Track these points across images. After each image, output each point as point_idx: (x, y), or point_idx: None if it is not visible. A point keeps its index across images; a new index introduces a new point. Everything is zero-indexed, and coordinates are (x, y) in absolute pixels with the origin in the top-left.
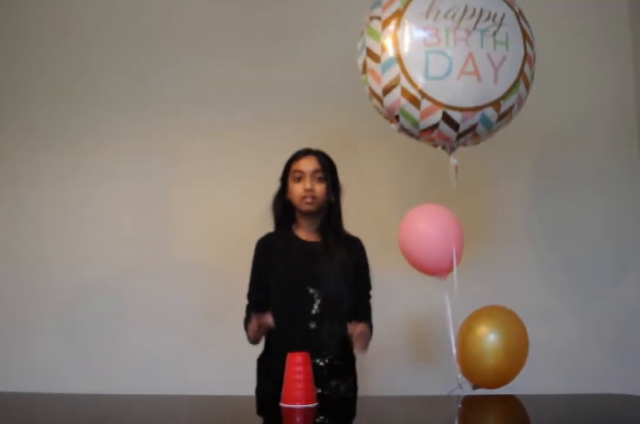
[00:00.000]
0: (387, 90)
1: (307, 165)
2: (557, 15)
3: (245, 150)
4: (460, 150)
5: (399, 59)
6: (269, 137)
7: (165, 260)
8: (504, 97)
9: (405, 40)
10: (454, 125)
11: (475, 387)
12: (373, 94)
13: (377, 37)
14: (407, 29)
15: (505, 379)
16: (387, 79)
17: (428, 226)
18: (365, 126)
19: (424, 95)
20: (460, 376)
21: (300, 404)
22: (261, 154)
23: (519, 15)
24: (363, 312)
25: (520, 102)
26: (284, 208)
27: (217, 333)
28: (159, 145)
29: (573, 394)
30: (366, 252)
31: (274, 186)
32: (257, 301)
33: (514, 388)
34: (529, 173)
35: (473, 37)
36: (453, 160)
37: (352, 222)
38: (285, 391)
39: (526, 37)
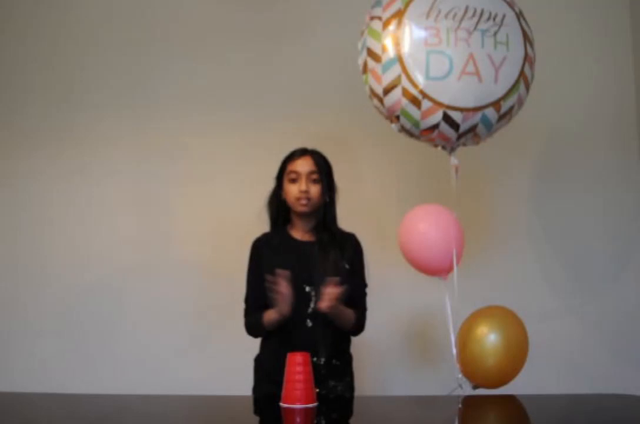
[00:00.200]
0: (387, 90)
1: (303, 166)
2: (557, 16)
3: (245, 150)
4: (460, 150)
5: (399, 59)
6: (269, 137)
7: (165, 260)
8: (505, 97)
9: (406, 40)
10: (454, 125)
11: (475, 387)
12: (374, 94)
13: (377, 37)
14: (407, 29)
15: (505, 379)
16: (387, 79)
17: (428, 226)
18: (366, 125)
19: (424, 95)
20: (460, 376)
21: (300, 404)
22: (261, 154)
23: (519, 15)
24: (357, 308)
25: (521, 102)
26: (279, 207)
27: (216, 333)
28: (159, 145)
29: (573, 394)
30: (362, 247)
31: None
32: (255, 303)
33: (514, 388)
34: (529, 173)
35: (474, 38)
36: (453, 160)
37: (352, 223)
38: (285, 391)
39: (526, 38)
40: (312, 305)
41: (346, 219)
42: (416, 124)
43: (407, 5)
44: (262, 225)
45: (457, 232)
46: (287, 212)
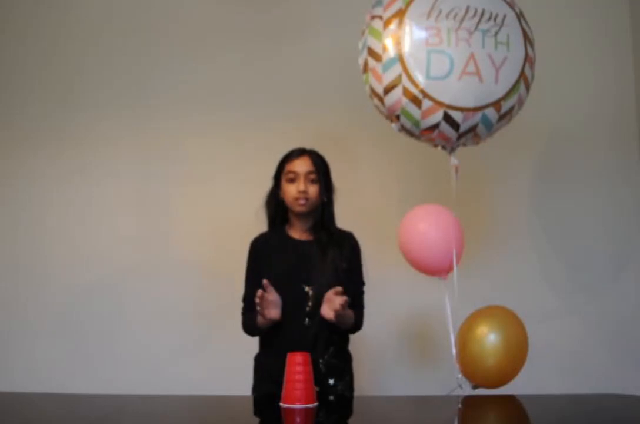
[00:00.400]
0: (388, 90)
1: (301, 166)
2: (557, 16)
3: (245, 150)
4: (461, 150)
5: (400, 58)
6: (269, 137)
7: (165, 260)
8: (505, 97)
9: (407, 40)
10: (454, 125)
11: (475, 387)
12: (374, 93)
13: (378, 36)
14: (408, 28)
15: (505, 379)
16: (388, 78)
17: (428, 226)
18: (366, 125)
19: (425, 95)
20: (460, 376)
21: (300, 404)
22: (261, 154)
23: (520, 16)
24: (355, 306)
25: (521, 102)
26: (277, 207)
27: (216, 333)
28: (159, 145)
29: (573, 394)
30: (360, 246)
31: None
32: (253, 302)
33: (514, 388)
34: (529, 173)
35: (475, 38)
36: (453, 160)
37: (352, 223)
38: (285, 391)
39: (527, 38)
40: (310, 304)
41: (346, 219)
42: (416, 123)
43: (408, 4)
44: (261, 225)
45: (457, 232)
46: (285, 212)
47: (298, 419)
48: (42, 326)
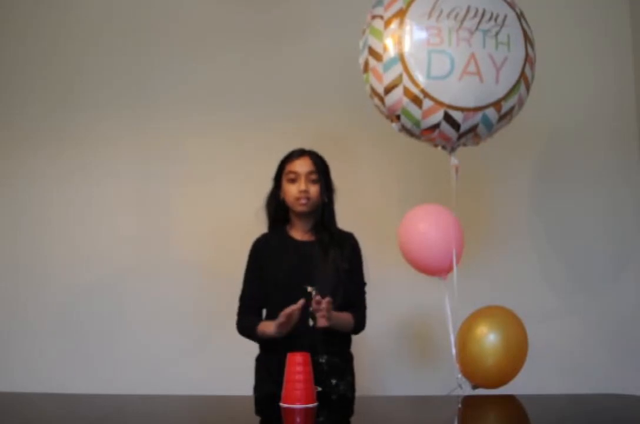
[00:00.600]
0: (388, 90)
1: (302, 166)
2: (557, 16)
3: (245, 150)
4: (461, 150)
5: (401, 58)
6: (269, 137)
7: (165, 260)
8: (505, 97)
9: (408, 40)
10: (455, 125)
11: (475, 387)
12: (374, 93)
13: (379, 36)
14: (409, 28)
15: (505, 379)
16: (389, 78)
17: (428, 226)
18: (366, 125)
19: (426, 94)
20: (460, 376)
21: (300, 404)
22: (261, 154)
23: (520, 16)
24: (356, 307)
25: (521, 102)
26: (277, 208)
27: (216, 333)
28: (159, 145)
29: (573, 394)
30: (360, 247)
31: None
32: (250, 303)
33: (514, 388)
34: (529, 173)
35: (475, 38)
36: (453, 160)
37: (352, 223)
38: (285, 391)
39: (527, 38)
40: (312, 304)
41: (346, 219)
42: (417, 123)
43: (409, 4)
44: (261, 225)
45: (457, 232)
46: (286, 213)
47: (298, 419)
48: (42, 326)
